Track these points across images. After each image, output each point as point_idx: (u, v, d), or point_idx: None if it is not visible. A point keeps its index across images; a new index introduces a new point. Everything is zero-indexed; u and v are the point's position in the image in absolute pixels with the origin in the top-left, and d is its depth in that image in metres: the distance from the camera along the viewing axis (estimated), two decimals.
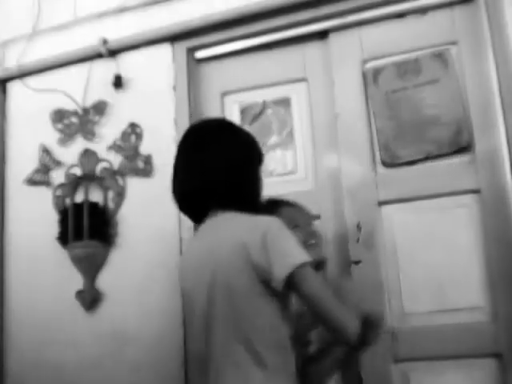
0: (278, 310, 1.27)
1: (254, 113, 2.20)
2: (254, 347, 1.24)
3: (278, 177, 2.13)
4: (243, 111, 2.21)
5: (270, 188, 2.10)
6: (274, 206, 1.60)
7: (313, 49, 2.14)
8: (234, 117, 2.21)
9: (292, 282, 1.22)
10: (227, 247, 1.29)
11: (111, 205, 2.21)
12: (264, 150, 2.12)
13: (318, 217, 1.93)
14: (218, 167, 1.35)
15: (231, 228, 1.32)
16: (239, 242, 1.26)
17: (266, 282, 1.24)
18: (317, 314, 1.25)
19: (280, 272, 1.21)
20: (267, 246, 1.23)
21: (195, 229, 1.45)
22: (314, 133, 2.10)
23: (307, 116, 2.12)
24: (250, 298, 1.26)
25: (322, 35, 2.12)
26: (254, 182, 1.41)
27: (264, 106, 2.19)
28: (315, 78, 2.12)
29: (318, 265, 1.54)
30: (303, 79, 2.14)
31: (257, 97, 2.20)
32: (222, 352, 1.28)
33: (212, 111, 2.23)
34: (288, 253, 1.23)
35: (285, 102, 2.17)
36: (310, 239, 1.57)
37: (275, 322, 1.27)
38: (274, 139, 2.17)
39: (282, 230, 1.27)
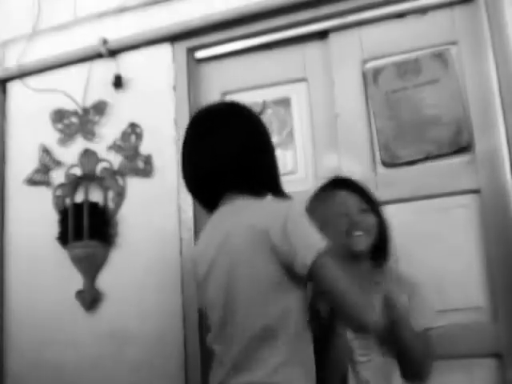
0: (298, 295, 1.24)
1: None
2: (273, 333, 1.20)
3: None
4: None
5: None
6: (331, 186, 1.62)
7: (313, 49, 2.14)
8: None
9: (313, 268, 1.18)
10: (246, 233, 1.24)
11: (111, 205, 2.21)
12: None
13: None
14: (229, 152, 1.30)
15: (249, 213, 1.27)
16: (259, 227, 1.22)
17: (288, 266, 1.21)
18: (333, 300, 1.22)
19: (304, 258, 1.18)
20: (288, 230, 1.20)
21: (209, 217, 1.39)
22: (313, 133, 2.10)
23: (307, 116, 2.12)
24: (271, 283, 1.22)
25: (322, 35, 2.12)
26: (269, 167, 1.36)
27: (264, 106, 2.19)
28: (315, 77, 2.12)
29: (356, 256, 1.54)
30: (303, 79, 2.15)
31: (257, 97, 2.19)
32: (241, 338, 1.23)
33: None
34: (310, 239, 1.21)
35: (285, 102, 2.17)
36: (354, 230, 1.53)
37: (295, 307, 1.23)
38: (274, 139, 2.15)
39: (302, 216, 1.25)
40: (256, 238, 1.22)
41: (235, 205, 1.32)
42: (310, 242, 1.20)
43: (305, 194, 2.04)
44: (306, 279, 1.22)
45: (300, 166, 2.11)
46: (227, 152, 1.30)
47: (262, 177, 1.34)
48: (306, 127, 2.12)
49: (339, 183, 1.64)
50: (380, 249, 1.57)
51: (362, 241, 1.55)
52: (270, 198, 1.34)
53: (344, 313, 1.21)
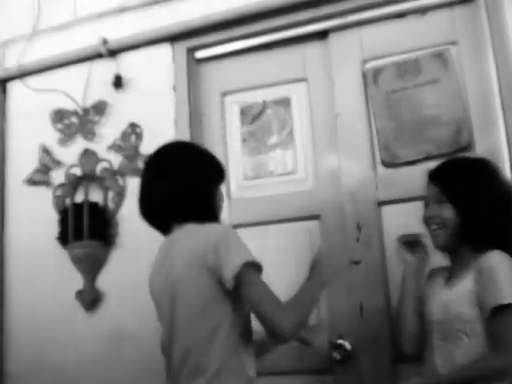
0: (233, 309, 1.36)
1: (254, 113, 2.20)
2: (205, 353, 1.35)
3: (278, 177, 2.13)
4: (243, 111, 2.21)
5: (270, 188, 2.13)
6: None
7: (313, 49, 2.14)
8: (235, 117, 2.21)
9: (237, 283, 1.31)
10: (186, 257, 1.40)
11: (111, 205, 2.21)
12: (264, 149, 2.17)
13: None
14: (169, 192, 1.48)
15: (188, 238, 1.43)
16: (194, 248, 1.38)
17: (220, 283, 1.34)
18: (255, 313, 1.33)
19: (229, 272, 1.31)
20: (219, 249, 1.34)
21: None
22: (313, 133, 2.10)
23: (307, 116, 2.12)
24: (208, 303, 1.36)
25: (322, 35, 2.12)
26: (208, 199, 1.51)
27: (264, 106, 2.19)
28: (315, 77, 2.12)
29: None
30: (303, 79, 2.14)
31: (257, 97, 2.20)
32: (180, 358, 1.40)
33: (212, 111, 2.23)
34: (234, 256, 1.33)
35: (285, 102, 2.17)
36: (429, 224, 1.54)
37: (229, 321, 1.36)
38: (273, 139, 2.17)
39: (231, 236, 1.39)
40: (195, 263, 1.37)
41: (179, 231, 1.48)
42: (233, 259, 1.32)
43: (305, 194, 2.06)
44: (238, 295, 1.34)
45: (300, 165, 2.11)
46: (168, 192, 1.48)
47: (200, 209, 1.49)
48: (306, 127, 2.12)
49: (430, 172, 1.58)
50: (469, 234, 1.49)
51: (439, 235, 1.52)
52: (207, 224, 1.46)
53: (264, 323, 1.30)
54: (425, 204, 1.57)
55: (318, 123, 2.10)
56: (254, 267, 1.34)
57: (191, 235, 1.43)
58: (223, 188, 1.61)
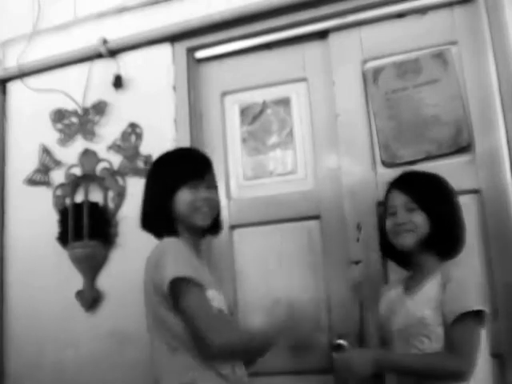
0: (181, 330, 1.39)
1: (254, 113, 2.20)
2: (169, 349, 1.40)
3: (278, 177, 2.13)
4: (243, 111, 2.21)
5: (270, 188, 2.13)
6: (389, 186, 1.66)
7: (313, 49, 2.14)
8: (235, 117, 2.21)
9: (171, 295, 1.37)
10: (145, 272, 1.47)
11: (111, 205, 2.21)
12: (264, 149, 2.17)
13: None
14: (144, 204, 1.57)
15: (150, 255, 1.47)
16: (148, 262, 1.45)
17: (163, 295, 1.38)
18: (188, 324, 1.37)
19: (164, 286, 1.36)
20: (158, 263, 1.39)
21: None
22: (313, 133, 2.10)
23: (307, 116, 2.12)
24: (159, 309, 1.40)
25: (322, 35, 2.12)
26: (164, 206, 1.50)
27: (264, 106, 2.19)
28: (315, 78, 2.12)
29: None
30: (303, 79, 2.14)
31: (257, 97, 2.20)
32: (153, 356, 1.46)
33: (212, 111, 2.23)
34: (166, 270, 1.36)
35: (285, 102, 2.17)
36: (399, 230, 1.58)
37: (179, 328, 1.39)
38: (273, 139, 2.16)
39: (167, 250, 1.42)
40: (147, 274, 1.44)
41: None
42: (165, 274, 1.36)
43: (305, 194, 2.06)
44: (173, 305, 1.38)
45: (300, 165, 2.11)
46: (144, 204, 1.57)
47: (160, 222, 1.52)
48: (306, 127, 2.12)
49: (395, 182, 1.65)
50: (437, 241, 1.56)
51: (408, 236, 1.56)
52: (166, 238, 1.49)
53: (198, 333, 1.35)
54: (390, 213, 1.60)
55: (318, 123, 2.10)
56: (186, 281, 1.36)
57: (151, 253, 1.47)
58: (222, 188, 1.62)
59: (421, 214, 1.55)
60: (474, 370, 1.39)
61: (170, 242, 1.45)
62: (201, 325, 1.34)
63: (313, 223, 2.04)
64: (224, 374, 1.39)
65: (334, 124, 2.05)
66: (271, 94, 2.18)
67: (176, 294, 1.36)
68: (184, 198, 1.49)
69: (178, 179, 1.50)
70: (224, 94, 2.24)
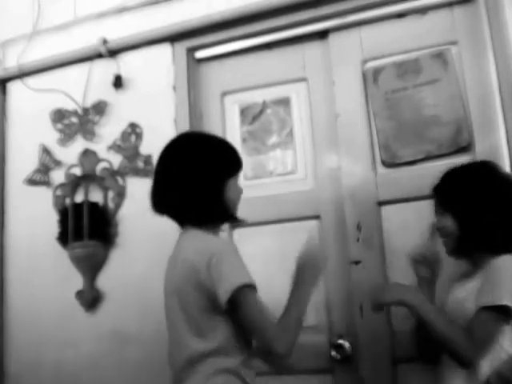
0: (226, 326, 1.35)
1: (254, 113, 2.20)
2: (200, 359, 1.35)
3: (278, 177, 2.13)
4: (243, 111, 2.21)
5: (270, 188, 2.13)
6: None
7: (313, 49, 2.14)
8: (235, 117, 2.21)
9: (232, 303, 1.30)
10: (182, 266, 1.39)
11: (111, 205, 2.21)
12: (264, 149, 2.17)
13: None
14: (174, 186, 1.43)
15: (187, 247, 1.41)
16: (189, 261, 1.36)
17: (212, 299, 1.33)
18: (252, 333, 1.35)
19: (223, 295, 1.30)
20: (211, 268, 1.32)
21: None
22: (313, 133, 2.10)
23: (307, 116, 2.12)
24: (199, 313, 1.35)
25: (322, 35, 2.12)
26: (217, 195, 1.44)
27: (264, 105, 2.19)
28: (315, 78, 2.12)
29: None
30: (303, 79, 2.14)
31: (257, 97, 2.20)
32: (178, 361, 1.40)
33: (212, 111, 2.23)
34: (230, 275, 1.31)
35: (285, 102, 2.17)
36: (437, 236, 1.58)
37: (224, 335, 1.35)
38: (273, 139, 2.16)
39: (228, 253, 1.36)
40: (187, 272, 1.36)
41: (184, 235, 1.46)
42: (229, 279, 1.31)
43: (305, 194, 2.06)
44: (228, 312, 1.33)
45: (300, 165, 2.11)
46: (172, 188, 1.44)
47: (206, 209, 1.43)
48: (306, 127, 2.12)
49: (433, 186, 1.59)
50: (469, 245, 1.51)
51: (446, 244, 1.55)
52: (209, 233, 1.44)
53: (260, 341, 1.34)
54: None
55: (318, 123, 2.09)
56: (249, 288, 1.32)
57: (190, 244, 1.41)
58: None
59: (449, 217, 1.51)
60: (476, 362, 1.37)
61: (226, 243, 1.43)
62: (264, 336, 1.31)
63: (313, 223, 2.03)
64: (248, 381, 1.38)
65: (333, 124, 2.05)
66: (271, 94, 2.18)
67: (237, 301, 1.30)
68: (235, 188, 1.49)
69: (233, 169, 1.50)
70: (224, 93, 2.24)
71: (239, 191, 1.51)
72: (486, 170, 1.55)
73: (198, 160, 1.44)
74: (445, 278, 1.64)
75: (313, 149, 2.09)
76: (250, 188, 2.15)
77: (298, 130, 2.13)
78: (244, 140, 2.20)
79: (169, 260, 1.50)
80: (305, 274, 1.42)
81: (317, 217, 2.03)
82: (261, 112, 2.19)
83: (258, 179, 2.16)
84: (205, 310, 1.35)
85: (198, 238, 1.42)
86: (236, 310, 1.32)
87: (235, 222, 1.53)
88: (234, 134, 2.20)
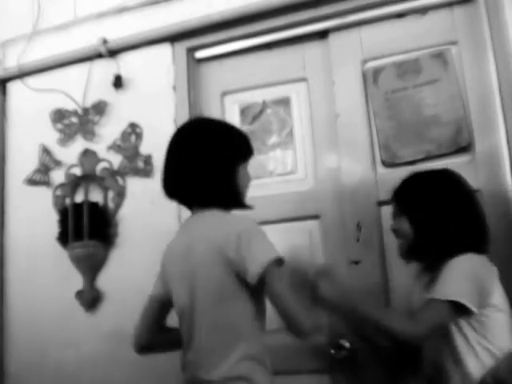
0: (251, 303, 1.37)
1: (254, 113, 2.20)
2: (231, 334, 1.36)
3: (278, 177, 2.13)
4: (243, 111, 2.21)
5: (270, 188, 2.13)
6: None
7: (313, 49, 2.14)
8: (235, 117, 2.21)
9: (263, 278, 1.31)
10: (205, 245, 1.38)
11: (111, 205, 2.21)
12: (264, 149, 2.17)
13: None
14: (186, 169, 1.44)
15: (209, 226, 1.41)
16: (216, 241, 1.36)
17: (240, 276, 1.33)
18: (277, 308, 1.33)
19: (254, 269, 1.30)
20: (242, 245, 1.33)
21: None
22: (314, 133, 2.10)
23: (307, 116, 2.12)
24: (226, 292, 1.36)
25: (322, 35, 2.12)
26: (229, 179, 1.45)
27: (264, 105, 2.19)
28: (315, 77, 2.12)
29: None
30: (303, 79, 2.14)
31: (257, 97, 2.20)
32: (204, 340, 1.39)
33: (212, 111, 2.23)
34: (260, 252, 1.32)
35: (285, 102, 2.17)
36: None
37: (249, 312, 1.37)
38: (273, 139, 2.16)
39: (254, 231, 1.37)
40: (213, 252, 1.36)
41: (201, 217, 1.45)
42: (258, 255, 1.32)
43: (305, 194, 2.06)
44: (258, 288, 1.34)
45: (300, 165, 2.11)
46: (185, 169, 1.44)
47: (218, 193, 1.44)
48: (306, 127, 2.12)
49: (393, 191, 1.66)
50: (421, 249, 1.56)
51: (400, 246, 1.61)
52: (230, 212, 1.46)
53: (286, 319, 1.31)
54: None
55: (318, 123, 2.10)
56: (278, 262, 1.33)
57: (212, 223, 1.41)
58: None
59: (405, 220, 1.57)
60: (420, 338, 1.43)
61: (252, 222, 1.41)
62: (295, 307, 1.30)
63: (313, 223, 2.03)
64: (269, 370, 1.39)
65: (333, 124, 2.05)
66: (271, 93, 2.18)
67: (268, 275, 1.30)
68: (245, 174, 1.50)
69: (245, 155, 1.50)
70: (224, 93, 2.24)
71: (248, 178, 1.52)
72: (443, 177, 1.61)
73: (212, 144, 1.45)
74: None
75: (313, 149, 2.09)
76: (251, 188, 2.15)
77: (297, 130, 2.13)
78: None
79: (174, 243, 1.50)
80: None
81: (317, 217, 2.03)
82: (261, 112, 2.19)
83: (259, 179, 2.16)
84: (231, 289, 1.35)
85: (221, 218, 1.42)
86: (265, 283, 1.32)
87: (245, 208, 1.51)
88: None
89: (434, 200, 1.56)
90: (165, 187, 1.50)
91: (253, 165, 2.15)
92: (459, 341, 1.46)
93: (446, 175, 1.62)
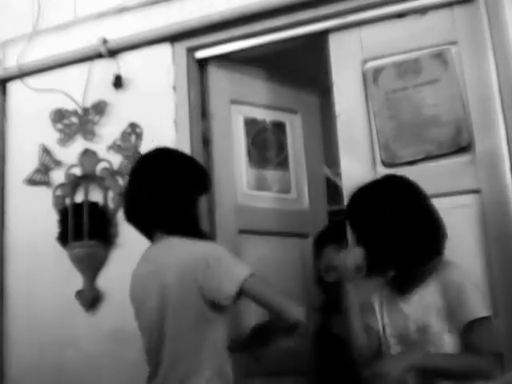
0: (221, 324, 1.44)
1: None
2: (197, 359, 1.41)
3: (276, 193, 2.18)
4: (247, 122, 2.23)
5: (269, 201, 2.13)
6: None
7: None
8: (238, 121, 2.24)
9: (242, 293, 1.38)
10: (174, 271, 1.43)
11: (111, 205, 2.21)
12: None
13: None
14: (150, 201, 1.50)
15: (177, 253, 1.46)
16: (185, 266, 1.42)
17: (211, 300, 1.40)
18: (266, 308, 1.41)
19: (228, 290, 1.37)
20: (211, 269, 1.39)
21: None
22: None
23: None
24: (196, 317, 1.41)
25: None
26: (189, 209, 1.52)
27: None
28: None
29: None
30: None
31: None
32: (170, 363, 1.44)
33: (212, 110, 2.24)
34: (232, 272, 1.39)
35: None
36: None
37: (218, 334, 1.43)
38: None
39: (224, 254, 1.43)
40: (183, 278, 1.41)
41: (165, 244, 1.50)
42: (232, 275, 1.38)
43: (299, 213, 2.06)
44: (229, 309, 1.42)
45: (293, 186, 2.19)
46: (148, 202, 1.50)
47: (177, 221, 1.50)
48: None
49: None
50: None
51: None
52: (196, 240, 1.48)
53: (277, 313, 1.39)
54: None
55: None
56: (252, 276, 1.39)
57: (180, 250, 1.46)
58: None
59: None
60: (500, 366, 1.40)
61: (218, 246, 1.50)
62: (281, 303, 1.38)
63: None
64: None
65: (333, 124, 2.05)
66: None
67: (246, 290, 1.38)
68: (202, 205, 1.57)
69: (204, 188, 1.58)
70: (224, 93, 2.25)
71: (204, 210, 1.60)
72: (389, 184, 1.58)
73: (177, 173, 1.53)
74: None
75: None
76: (252, 198, 2.20)
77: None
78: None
79: (140, 271, 1.56)
80: None
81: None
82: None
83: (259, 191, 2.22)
84: (201, 314, 1.41)
85: (188, 244, 1.47)
86: (244, 297, 1.39)
87: (204, 237, 1.56)
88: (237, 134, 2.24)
89: (387, 209, 1.51)
90: (127, 213, 1.57)
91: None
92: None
93: (392, 182, 1.59)
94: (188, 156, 1.68)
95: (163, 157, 1.59)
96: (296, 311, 1.37)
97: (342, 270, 1.52)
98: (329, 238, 2.02)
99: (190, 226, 1.52)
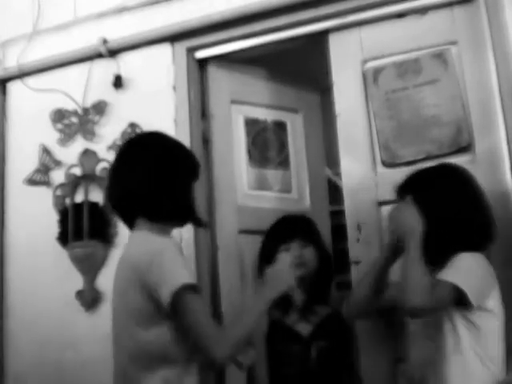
0: (170, 327, 1.32)
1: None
2: (145, 362, 1.31)
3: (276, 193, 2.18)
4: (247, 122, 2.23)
5: (270, 201, 2.14)
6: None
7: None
8: (238, 121, 2.24)
9: (174, 303, 1.27)
10: (126, 266, 1.39)
11: None
12: None
13: None
14: (127, 184, 1.43)
15: (132, 247, 1.41)
16: (132, 261, 1.36)
17: (156, 300, 1.30)
18: (191, 334, 1.30)
19: (166, 294, 1.27)
20: (153, 268, 1.29)
21: None
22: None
23: None
24: (141, 315, 1.32)
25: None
26: (171, 195, 1.43)
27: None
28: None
29: None
30: None
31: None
32: (120, 366, 1.40)
33: (212, 110, 2.24)
34: (172, 276, 1.29)
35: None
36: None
37: (166, 338, 1.32)
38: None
39: (171, 254, 1.33)
40: (130, 272, 1.35)
41: (133, 235, 1.46)
42: (170, 280, 1.28)
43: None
44: (171, 313, 1.29)
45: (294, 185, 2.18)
46: (125, 184, 1.43)
47: (161, 206, 1.42)
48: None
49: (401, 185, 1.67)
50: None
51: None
52: (150, 234, 1.42)
53: (199, 345, 1.29)
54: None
55: None
56: (190, 289, 1.29)
57: (136, 246, 1.40)
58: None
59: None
60: (425, 312, 1.47)
61: (166, 243, 1.38)
62: (204, 339, 1.28)
63: None
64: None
65: (333, 124, 2.05)
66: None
67: (178, 303, 1.27)
68: (194, 191, 1.50)
69: (195, 175, 1.51)
70: (224, 93, 2.25)
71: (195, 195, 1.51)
72: (456, 172, 1.62)
73: (169, 160, 1.46)
74: None
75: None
76: (253, 198, 2.20)
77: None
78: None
79: (118, 262, 1.49)
80: (267, 286, 1.42)
81: None
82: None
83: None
84: (148, 313, 1.32)
85: (142, 239, 1.41)
86: (177, 312, 1.28)
87: (200, 223, 1.55)
88: (238, 133, 2.24)
89: (451, 193, 1.56)
90: (115, 199, 1.49)
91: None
92: (450, 342, 1.46)
93: (458, 171, 1.63)
94: (177, 141, 1.58)
95: (150, 140, 1.52)
96: (220, 353, 1.26)
97: (400, 228, 1.53)
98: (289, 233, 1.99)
99: (188, 212, 1.47)
